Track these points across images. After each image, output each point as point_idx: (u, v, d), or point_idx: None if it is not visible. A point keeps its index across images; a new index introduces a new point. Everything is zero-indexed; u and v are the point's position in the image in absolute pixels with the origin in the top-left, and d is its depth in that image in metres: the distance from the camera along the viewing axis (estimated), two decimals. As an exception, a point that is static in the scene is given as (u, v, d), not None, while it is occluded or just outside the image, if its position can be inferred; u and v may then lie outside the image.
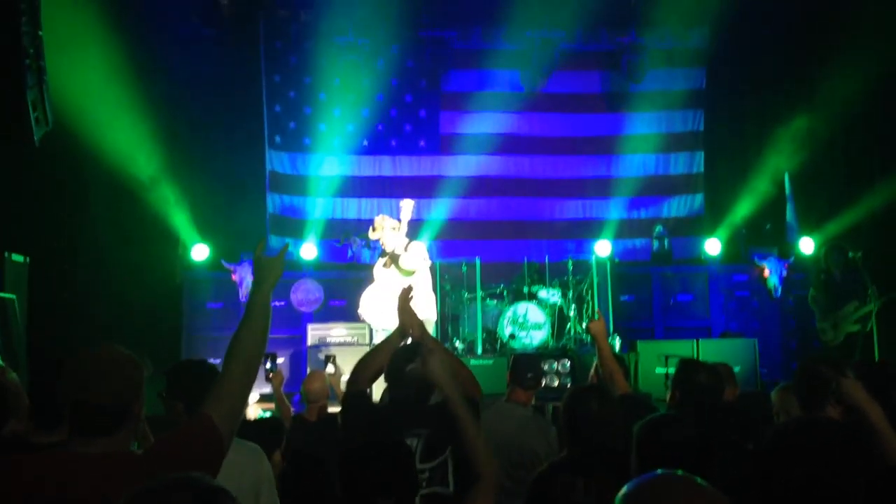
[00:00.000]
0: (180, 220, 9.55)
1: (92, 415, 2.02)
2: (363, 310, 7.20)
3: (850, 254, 7.95)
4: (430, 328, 7.11)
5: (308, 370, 7.78)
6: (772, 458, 3.28)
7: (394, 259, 6.97)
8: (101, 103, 8.22)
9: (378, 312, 7.06)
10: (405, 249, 6.94)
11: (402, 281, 6.77)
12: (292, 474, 3.90)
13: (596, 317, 4.36)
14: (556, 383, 8.18)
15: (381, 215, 7.20)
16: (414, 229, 10.73)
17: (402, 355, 3.22)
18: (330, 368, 5.60)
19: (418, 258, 6.94)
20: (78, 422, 2.04)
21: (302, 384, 5.13)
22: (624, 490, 1.29)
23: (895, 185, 9.21)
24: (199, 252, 9.65)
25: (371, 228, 7.12)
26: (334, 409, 4.75)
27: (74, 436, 2.05)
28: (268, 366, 5.48)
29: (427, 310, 6.93)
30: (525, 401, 4.19)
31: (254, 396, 7.33)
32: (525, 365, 4.29)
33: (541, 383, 4.28)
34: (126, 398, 2.07)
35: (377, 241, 9.98)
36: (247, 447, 3.12)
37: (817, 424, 3.15)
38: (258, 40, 10.61)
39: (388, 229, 6.97)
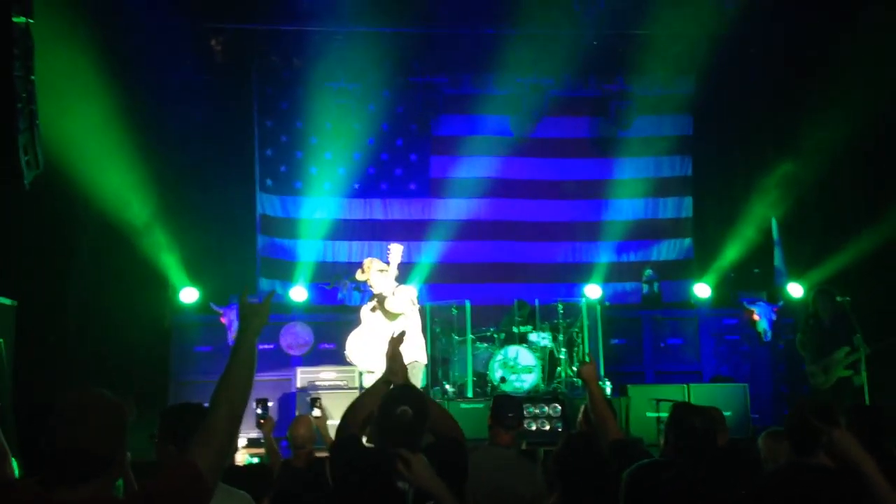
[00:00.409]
0: (170, 263, 9.53)
1: (75, 461, 1.99)
2: (349, 351, 7.15)
3: (839, 298, 7.99)
4: (420, 371, 7.07)
5: (297, 413, 7.73)
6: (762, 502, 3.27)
7: (381, 302, 6.94)
8: (93, 147, 8.24)
9: (363, 355, 7.01)
10: (393, 293, 6.90)
11: (389, 324, 6.75)
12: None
13: (587, 360, 4.34)
14: (547, 427, 8.12)
15: (369, 258, 7.18)
16: (404, 272, 10.73)
17: (392, 398, 3.19)
18: (316, 412, 5.52)
19: (405, 302, 6.91)
20: (60, 467, 1.99)
21: (288, 429, 5.08)
22: None
23: (882, 231, 9.30)
24: (188, 295, 9.61)
25: (360, 270, 7.10)
26: (322, 453, 4.70)
27: (56, 481, 2.00)
28: (259, 412, 5.39)
29: (417, 353, 6.88)
30: (508, 443, 4.18)
31: (241, 441, 7.27)
32: (505, 405, 4.28)
33: (522, 423, 4.25)
34: (111, 444, 2.04)
35: (366, 283, 10.00)
36: (237, 495, 3.07)
37: (808, 471, 3.15)
38: (250, 86, 10.73)
39: (376, 271, 6.93)
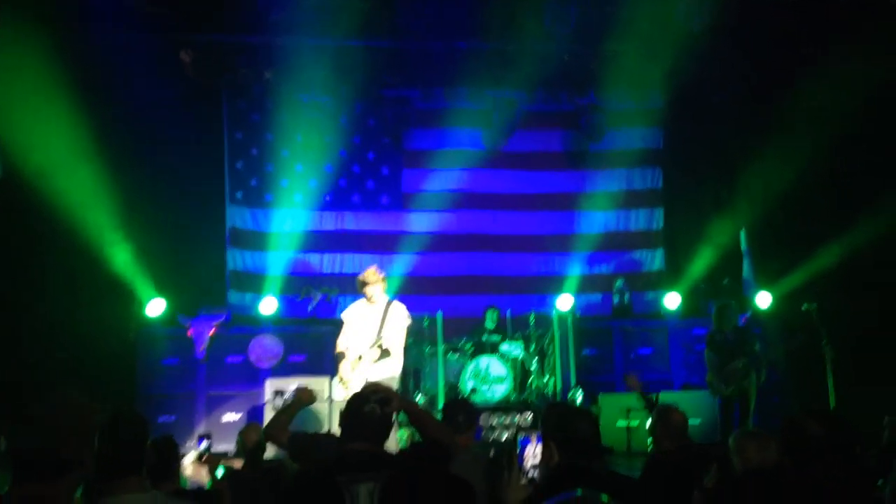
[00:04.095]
0: (137, 275, 9.43)
1: (35, 461, 2.00)
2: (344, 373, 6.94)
3: (805, 306, 8.17)
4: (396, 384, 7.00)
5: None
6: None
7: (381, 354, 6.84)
8: (59, 158, 8.17)
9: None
10: (388, 307, 6.88)
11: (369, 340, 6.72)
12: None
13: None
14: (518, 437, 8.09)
15: (374, 267, 7.09)
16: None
17: (361, 397, 3.17)
18: (278, 402, 5.33)
19: (403, 323, 6.94)
20: (27, 467, 2.02)
21: (239, 434, 5.00)
22: None
23: (849, 240, 9.43)
24: (156, 308, 9.50)
25: (363, 282, 6.94)
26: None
27: (23, 479, 2.02)
28: (202, 447, 5.16)
29: (397, 368, 6.86)
30: (464, 445, 4.14)
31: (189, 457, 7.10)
32: (454, 408, 4.26)
33: (474, 425, 4.22)
34: (76, 446, 2.05)
35: (337, 297, 9.95)
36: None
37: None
38: (220, 98, 10.70)
39: (381, 281, 6.92)
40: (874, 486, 3.68)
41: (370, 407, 3.06)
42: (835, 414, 4.12)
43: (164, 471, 3.49)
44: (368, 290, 6.85)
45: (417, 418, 3.57)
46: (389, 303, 6.90)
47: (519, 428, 8.20)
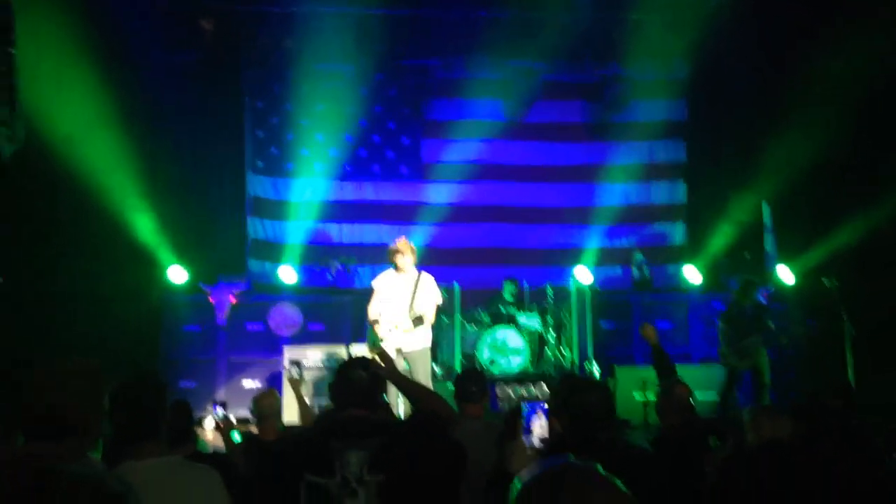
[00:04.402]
0: (159, 243, 9.52)
1: (43, 422, 2.05)
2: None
3: (826, 282, 8.12)
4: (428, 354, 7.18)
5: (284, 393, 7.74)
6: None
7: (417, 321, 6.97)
8: (80, 125, 8.21)
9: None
10: (419, 278, 7.00)
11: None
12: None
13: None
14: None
15: (403, 238, 7.21)
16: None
17: (348, 365, 3.22)
18: (294, 373, 5.31)
19: (436, 297, 7.12)
20: (36, 431, 2.06)
21: (252, 400, 5.05)
22: (528, 476, 1.23)
23: (872, 215, 9.30)
24: (177, 275, 9.60)
25: (401, 249, 7.06)
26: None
27: (26, 440, 2.08)
28: (219, 414, 5.20)
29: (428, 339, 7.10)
30: (477, 414, 4.21)
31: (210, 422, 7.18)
32: (467, 378, 4.30)
33: (486, 394, 4.27)
34: (84, 410, 2.09)
35: (356, 266, 10.02)
36: (198, 468, 3.03)
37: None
38: (240, 67, 10.68)
39: (412, 251, 7.05)
40: (882, 466, 3.67)
41: (357, 374, 3.11)
42: (853, 391, 4.12)
43: (179, 435, 3.54)
44: (400, 259, 6.97)
45: (406, 391, 3.58)
46: (420, 273, 7.04)
47: (523, 397, 8.22)
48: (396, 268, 7.02)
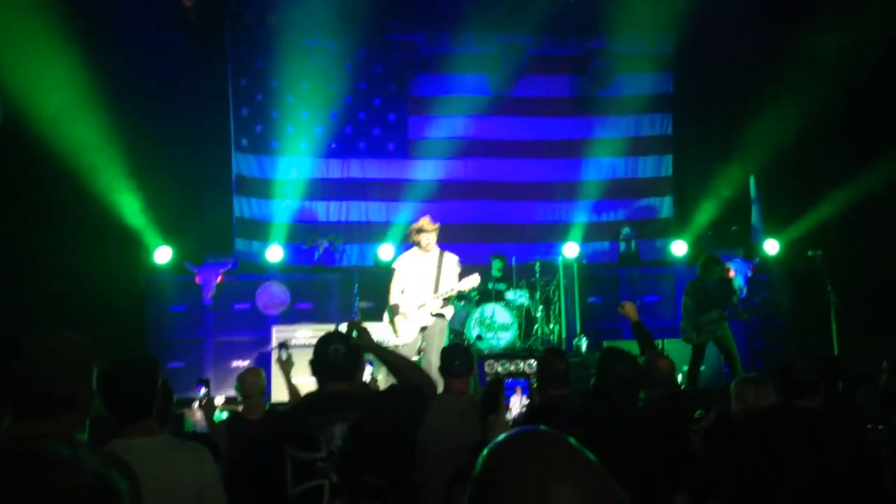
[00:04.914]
0: (143, 222, 9.46)
1: (34, 398, 2.03)
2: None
3: (810, 253, 8.13)
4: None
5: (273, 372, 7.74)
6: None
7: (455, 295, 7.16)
8: (61, 103, 8.12)
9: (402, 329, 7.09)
10: (442, 256, 7.05)
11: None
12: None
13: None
14: (522, 384, 8.15)
15: (426, 217, 7.21)
16: (382, 232, 10.76)
17: (326, 339, 3.22)
18: (283, 355, 5.33)
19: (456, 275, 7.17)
20: (19, 405, 2.05)
21: (237, 378, 5.05)
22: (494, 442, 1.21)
23: (857, 187, 9.34)
24: (163, 255, 9.55)
25: (417, 230, 7.07)
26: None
27: (23, 416, 2.06)
28: (201, 392, 5.23)
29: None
30: (462, 389, 4.24)
31: (219, 399, 7.21)
32: (450, 354, 4.31)
33: (471, 370, 4.28)
34: (73, 386, 2.08)
35: (343, 245, 10.01)
36: (189, 445, 3.04)
37: (794, 411, 3.21)
38: (224, 44, 10.56)
39: (435, 230, 7.05)
40: (864, 426, 3.71)
41: (334, 347, 3.14)
42: (823, 355, 4.16)
43: (160, 415, 3.53)
44: (423, 238, 7.01)
45: (388, 362, 3.53)
46: (443, 252, 7.09)
47: (510, 373, 8.23)
48: (419, 246, 7.05)
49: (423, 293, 6.96)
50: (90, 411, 2.29)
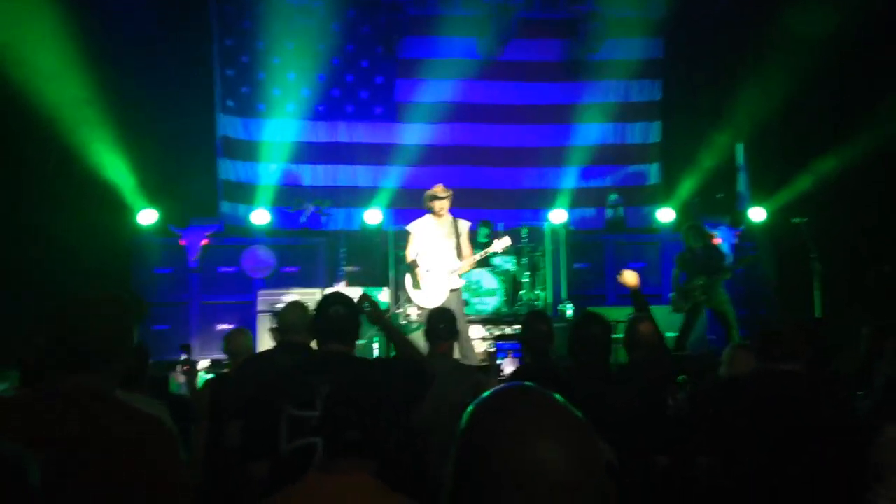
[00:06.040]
0: (128, 183, 9.35)
1: (74, 351, 2.04)
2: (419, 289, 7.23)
3: (794, 220, 8.21)
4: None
5: (258, 336, 7.75)
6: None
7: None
8: (42, 62, 7.97)
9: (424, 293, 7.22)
10: (456, 223, 7.26)
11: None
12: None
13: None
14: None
15: (440, 185, 7.26)
16: (369, 196, 10.71)
17: (326, 301, 3.26)
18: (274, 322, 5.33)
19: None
20: (59, 359, 2.06)
21: (224, 339, 5.05)
22: (478, 400, 1.20)
23: (843, 154, 9.36)
24: (147, 217, 9.47)
25: (431, 197, 7.12)
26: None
27: (57, 373, 2.07)
28: (182, 358, 5.25)
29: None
30: (446, 352, 4.29)
31: (205, 363, 7.19)
32: (435, 318, 4.35)
33: (455, 333, 4.33)
34: (111, 342, 2.09)
35: (329, 209, 9.99)
36: (153, 404, 3.02)
37: (774, 375, 3.24)
38: (208, 4, 10.37)
39: (449, 197, 7.23)
40: (846, 392, 3.76)
41: (335, 308, 3.20)
42: (801, 320, 4.21)
43: (134, 378, 3.52)
44: (438, 204, 7.19)
45: (390, 335, 3.80)
46: (456, 219, 7.31)
47: (500, 336, 8.27)
48: (433, 213, 7.22)
49: (446, 257, 7.11)
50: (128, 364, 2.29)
